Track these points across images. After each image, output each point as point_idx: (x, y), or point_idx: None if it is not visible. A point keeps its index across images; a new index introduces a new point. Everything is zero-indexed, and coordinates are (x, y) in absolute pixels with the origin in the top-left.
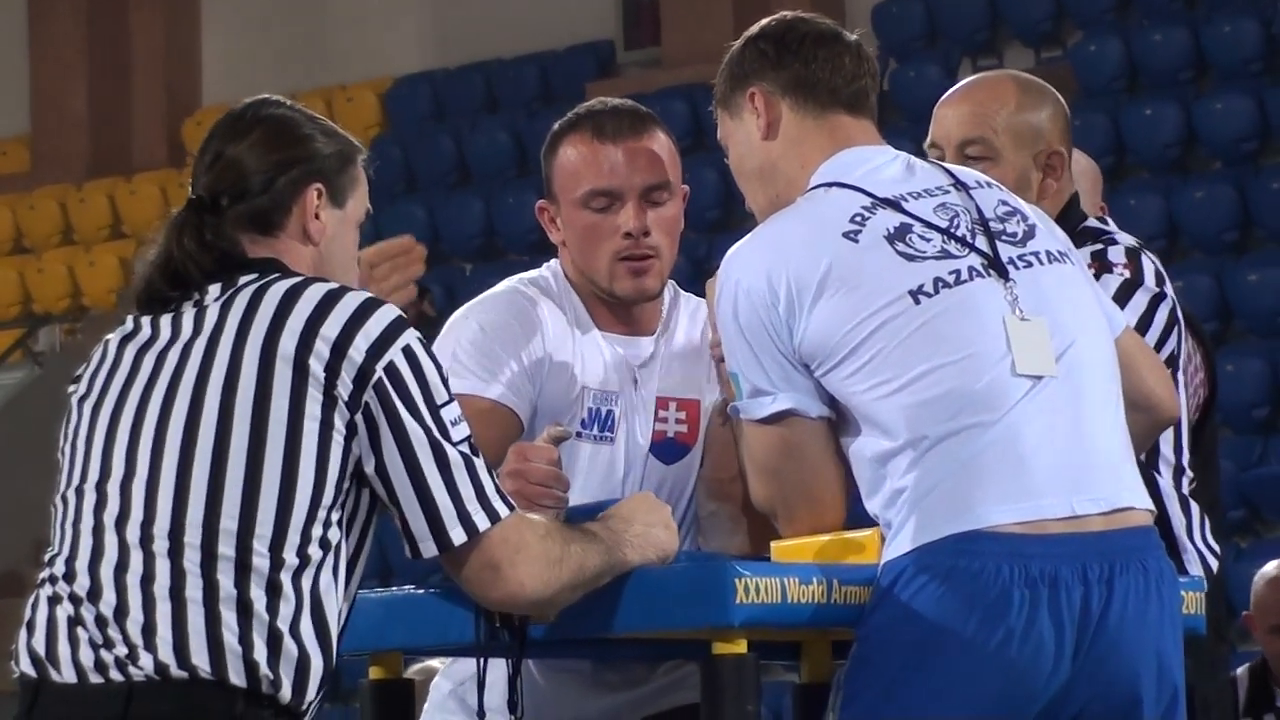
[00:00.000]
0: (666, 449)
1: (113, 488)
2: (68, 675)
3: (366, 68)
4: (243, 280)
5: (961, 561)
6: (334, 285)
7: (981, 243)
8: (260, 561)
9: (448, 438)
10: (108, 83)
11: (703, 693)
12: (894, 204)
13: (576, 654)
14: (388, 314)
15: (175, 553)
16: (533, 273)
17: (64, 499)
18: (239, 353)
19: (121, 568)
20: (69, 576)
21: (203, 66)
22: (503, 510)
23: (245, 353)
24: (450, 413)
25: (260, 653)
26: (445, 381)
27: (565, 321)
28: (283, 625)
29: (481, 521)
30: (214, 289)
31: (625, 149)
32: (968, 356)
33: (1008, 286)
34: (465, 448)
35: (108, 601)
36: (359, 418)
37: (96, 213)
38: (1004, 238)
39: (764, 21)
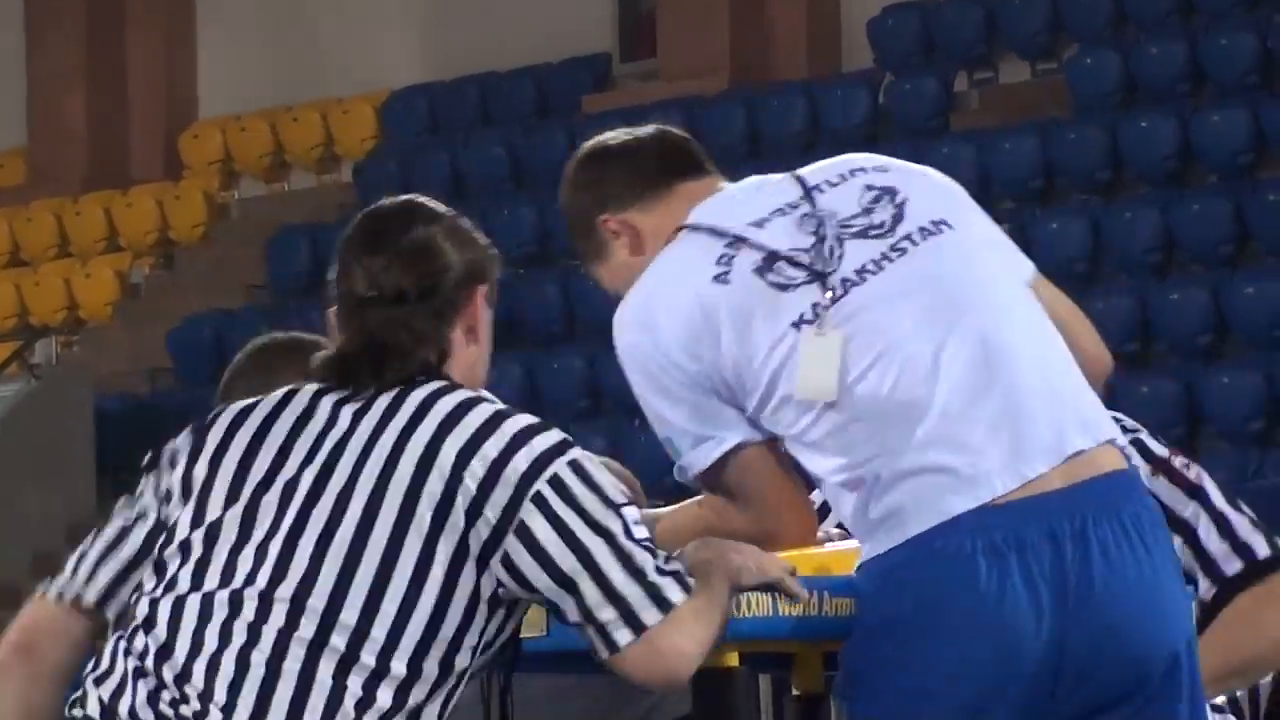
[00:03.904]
0: None
1: (250, 591)
2: None
3: (362, 81)
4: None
5: (922, 550)
6: (502, 406)
7: (848, 251)
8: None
9: (629, 535)
10: (104, 96)
11: (694, 707)
12: (751, 237)
13: (568, 669)
14: (554, 435)
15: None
16: None
17: (168, 576)
18: (394, 464)
19: (236, 683)
20: (164, 658)
21: (199, 80)
22: (676, 598)
23: (400, 464)
24: (630, 513)
25: None
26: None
27: None
28: None
29: (651, 617)
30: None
31: None
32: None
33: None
34: (643, 545)
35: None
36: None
37: (93, 225)
38: (870, 233)
39: (570, 163)
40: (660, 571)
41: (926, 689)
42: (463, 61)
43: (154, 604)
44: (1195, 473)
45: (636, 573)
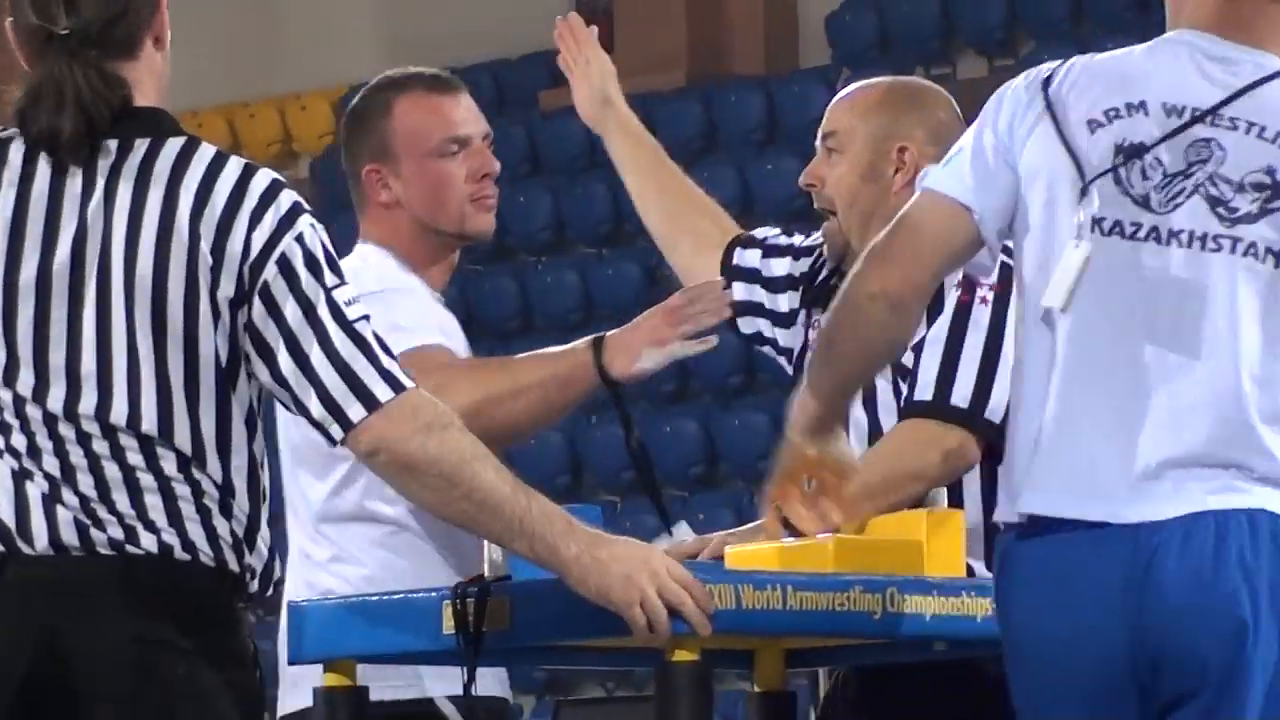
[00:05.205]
0: None
1: (56, 378)
2: (42, 549)
3: (320, 76)
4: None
5: (1023, 543)
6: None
7: (1186, 206)
8: (214, 462)
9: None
10: None
11: (656, 700)
12: (1153, 114)
13: (532, 662)
14: (290, 194)
15: (149, 455)
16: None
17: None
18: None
19: (94, 462)
20: (34, 454)
21: None
22: (406, 383)
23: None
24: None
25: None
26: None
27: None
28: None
29: (384, 393)
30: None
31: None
32: (1076, 329)
33: (1158, 265)
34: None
35: (87, 484)
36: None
37: None
38: (1220, 208)
39: None
40: (388, 356)
41: (1030, 657)
42: (420, 56)
43: None
44: (977, 311)
45: (367, 352)
